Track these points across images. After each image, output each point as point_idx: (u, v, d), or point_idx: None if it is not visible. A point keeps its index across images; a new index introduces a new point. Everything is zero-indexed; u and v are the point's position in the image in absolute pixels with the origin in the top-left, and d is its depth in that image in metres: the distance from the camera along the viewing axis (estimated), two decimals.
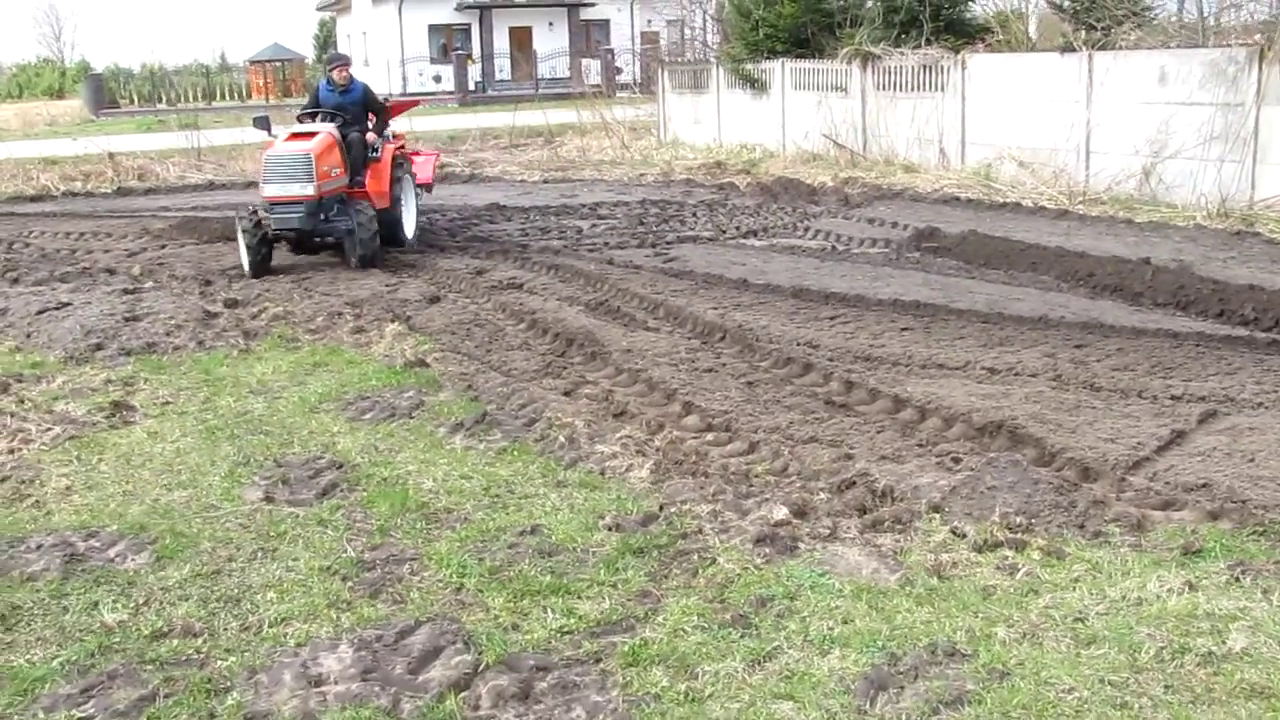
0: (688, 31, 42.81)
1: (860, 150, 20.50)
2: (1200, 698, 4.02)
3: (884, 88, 20.10)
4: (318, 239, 12.54)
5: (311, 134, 12.12)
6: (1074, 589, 4.85)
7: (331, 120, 12.50)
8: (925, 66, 19.17)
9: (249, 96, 60.86)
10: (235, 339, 9.54)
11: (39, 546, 5.55)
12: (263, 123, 12.89)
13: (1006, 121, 17.44)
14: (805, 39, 22.31)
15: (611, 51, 46.94)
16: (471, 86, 46.76)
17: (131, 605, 4.94)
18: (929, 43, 19.49)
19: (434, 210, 16.46)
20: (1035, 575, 4.98)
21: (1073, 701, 4.01)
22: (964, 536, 5.36)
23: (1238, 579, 4.87)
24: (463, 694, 4.16)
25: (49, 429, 7.40)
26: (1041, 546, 5.22)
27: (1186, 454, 6.26)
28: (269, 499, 6.12)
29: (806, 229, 14.55)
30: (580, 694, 4.16)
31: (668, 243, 13.81)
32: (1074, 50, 16.22)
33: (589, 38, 53.73)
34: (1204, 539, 5.22)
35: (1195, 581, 4.85)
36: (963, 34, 19.94)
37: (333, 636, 4.61)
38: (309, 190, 11.62)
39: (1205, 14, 17.28)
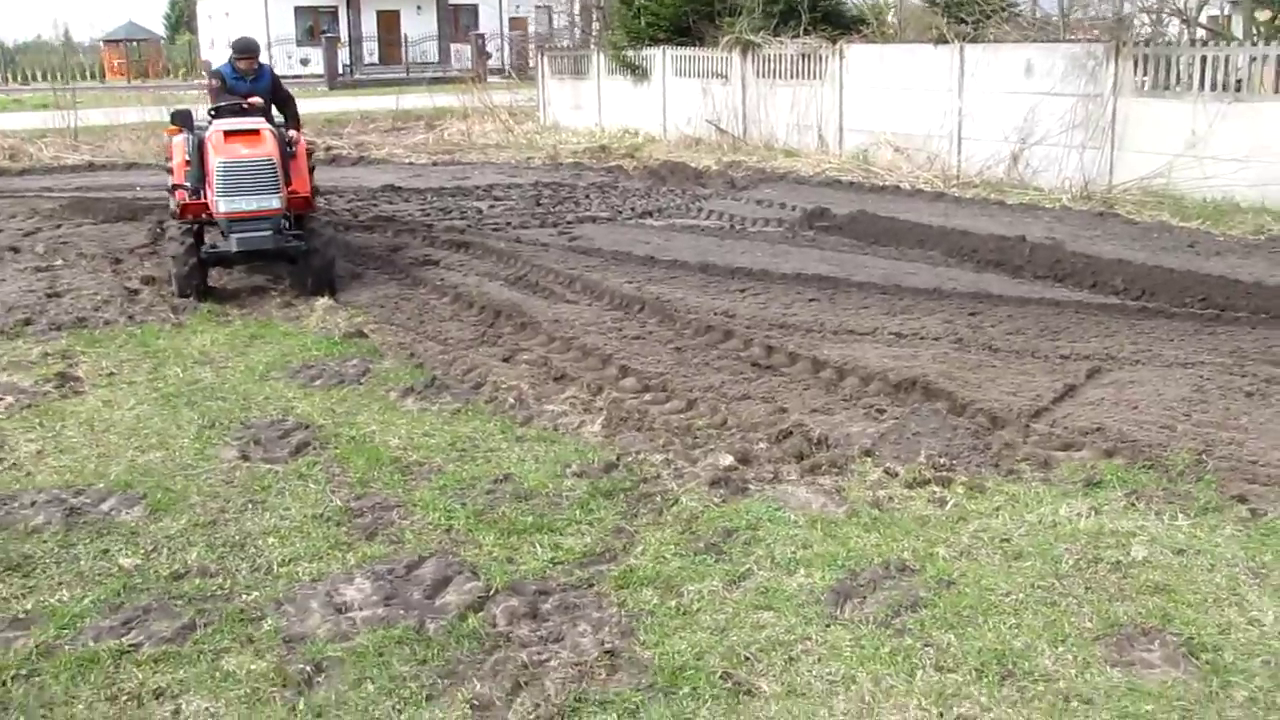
0: (557, 19, 43.27)
1: (741, 135, 21.24)
2: (1115, 596, 4.72)
3: (764, 75, 20.86)
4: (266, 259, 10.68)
5: (254, 132, 10.10)
6: (997, 516, 5.53)
7: (252, 114, 10.63)
8: (804, 55, 19.98)
9: (103, 77, 59.08)
10: (165, 314, 9.73)
11: (33, 503, 5.82)
12: (184, 118, 10.67)
13: (883, 109, 18.34)
14: (686, 27, 22.97)
15: (482, 36, 47.02)
16: (340, 70, 46.32)
17: (141, 552, 5.27)
18: (807, 32, 20.31)
19: (330, 191, 16.62)
20: (962, 506, 5.65)
21: (1010, 603, 4.67)
22: (896, 475, 6.01)
23: (1134, 504, 5.61)
24: (479, 614, 4.64)
25: (0, 398, 7.58)
26: (964, 483, 5.90)
27: (1079, 404, 7.04)
28: (245, 457, 6.46)
29: (700, 210, 15.17)
30: (582, 612, 4.68)
31: (568, 223, 14.28)
32: (946, 42, 17.17)
33: (457, 22, 53.67)
34: (1102, 473, 5.96)
35: (1099, 507, 5.58)
36: (839, 24, 20.81)
37: (345, 571, 5.03)
38: (275, 203, 9.81)
39: (1063, 11, 18.38)
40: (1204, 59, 14.25)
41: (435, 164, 21.23)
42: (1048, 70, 15.61)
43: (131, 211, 15.09)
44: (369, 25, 51.77)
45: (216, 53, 55.63)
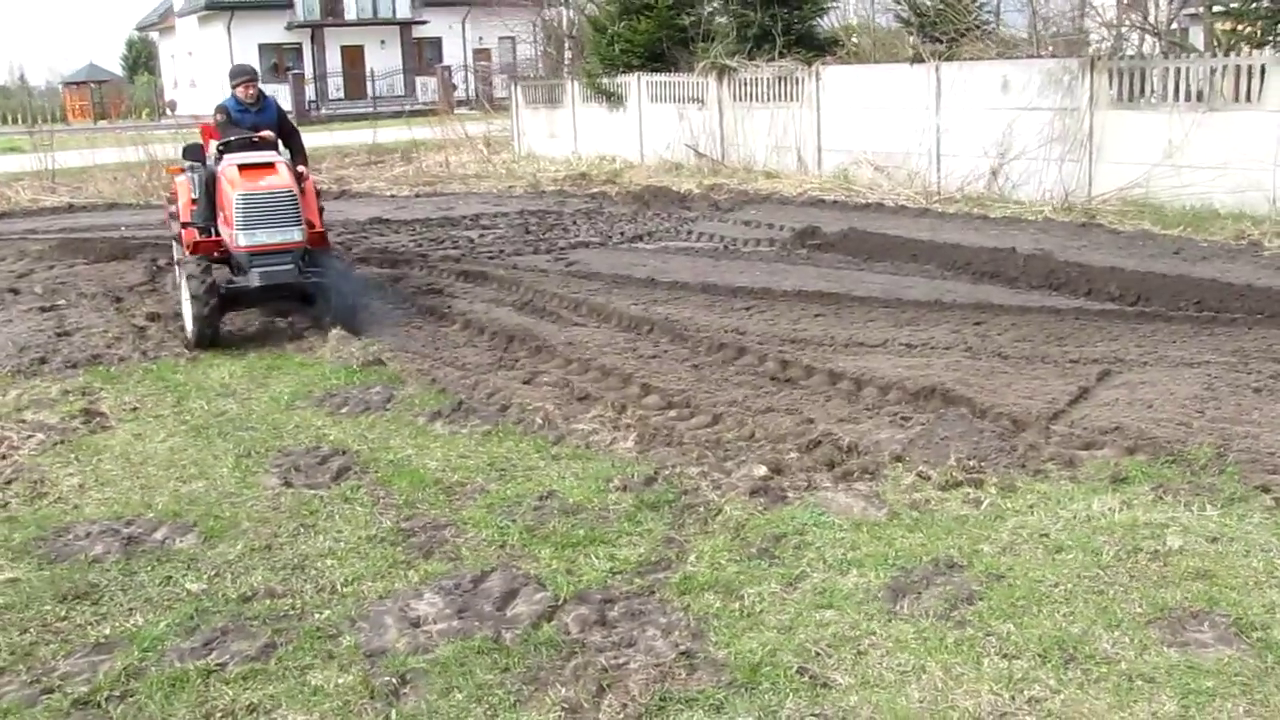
0: (522, 49, 43.57)
1: (720, 159, 21.51)
2: (1159, 582, 4.92)
3: (741, 99, 21.16)
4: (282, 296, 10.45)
5: (268, 165, 9.96)
6: (1032, 513, 5.72)
7: (263, 147, 10.42)
8: (780, 78, 20.30)
9: (65, 120, 58.84)
10: (178, 349, 9.82)
11: (88, 534, 5.91)
12: (195, 152, 10.80)
13: (861, 128, 18.65)
14: (660, 53, 23.27)
15: (449, 69, 47.26)
16: (306, 106, 46.42)
17: (205, 577, 5.37)
18: (782, 55, 20.63)
19: None
20: (998, 505, 5.84)
21: (1060, 592, 4.86)
22: (929, 479, 6.20)
23: (1161, 497, 5.82)
24: (550, 623, 4.78)
25: (30, 435, 7.65)
26: (996, 483, 6.09)
27: (1094, 405, 7.26)
28: (288, 484, 6.57)
29: (689, 232, 15.38)
30: (649, 618, 4.82)
31: (561, 249, 14.46)
32: (922, 61, 17.51)
33: (421, 56, 53.91)
34: (1127, 469, 6.18)
35: (1129, 501, 5.79)
36: (813, 47, 21.16)
37: (411, 588, 5.15)
38: (296, 235, 9.66)
39: (1034, 29, 18.79)
40: (1176, 70, 14.63)
41: (418, 195, 21.38)
42: (1024, 86, 15.96)
43: (123, 251, 15.13)
44: (334, 60, 51.94)
45: (181, 93, 55.66)
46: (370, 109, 45.51)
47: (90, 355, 9.64)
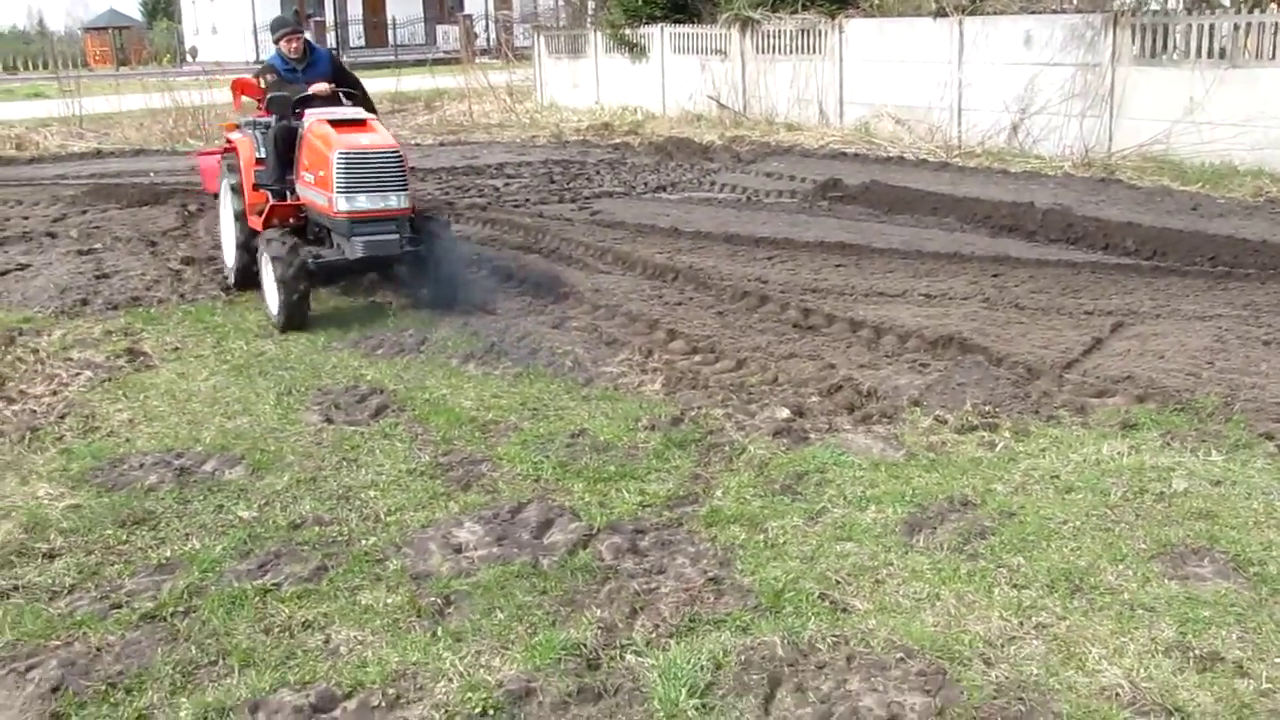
0: None
1: (742, 111, 21.62)
2: (1163, 521, 5.17)
3: (764, 51, 21.23)
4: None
5: (362, 122, 8.99)
6: (1044, 456, 5.97)
7: (328, 103, 9.35)
8: (803, 30, 20.36)
9: (86, 66, 58.90)
10: (215, 292, 10.10)
11: (141, 465, 6.21)
12: (280, 103, 9.31)
13: (883, 82, 18.73)
14: (684, 4, 23.32)
15: (470, 17, 47.17)
16: None
17: (255, 505, 5.66)
18: (805, 8, 20.67)
19: None
20: (1011, 448, 6.09)
21: (1069, 529, 5.12)
22: (945, 422, 6.45)
23: (1169, 443, 6.06)
24: (585, 550, 5.05)
25: (78, 373, 7.94)
26: (1010, 428, 6.34)
27: (1107, 355, 7.48)
28: (329, 420, 6.86)
29: (712, 183, 15.55)
30: (678, 547, 5.10)
31: (585, 198, 14.66)
32: (945, 15, 17.57)
33: (443, 4, 53.79)
34: (1136, 417, 6.41)
35: (1137, 446, 6.03)
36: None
37: (452, 518, 5.44)
38: (403, 201, 8.66)
39: None
40: (1199, 27, 14.69)
41: (442, 144, 21.55)
42: (1046, 41, 16.03)
43: (154, 196, 15.39)
44: (355, 9, 51.89)
45: (202, 40, 55.69)
46: (392, 57, 45.49)
47: (130, 297, 9.93)
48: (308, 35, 10.24)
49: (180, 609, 4.65)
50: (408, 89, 28.41)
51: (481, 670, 4.14)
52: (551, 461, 6.07)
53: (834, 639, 4.27)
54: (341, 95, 9.52)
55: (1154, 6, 16.72)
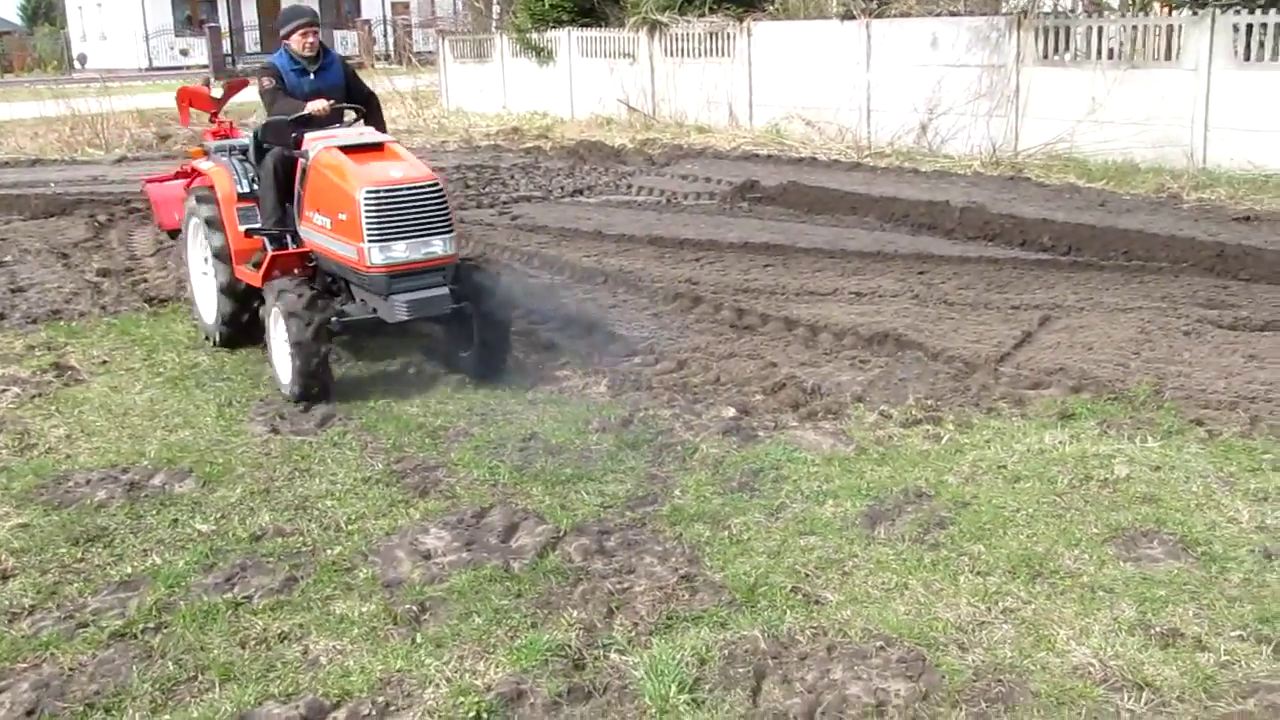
0: (444, 2, 43.25)
1: (652, 114, 21.74)
2: (1110, 506, 5.36)
3: (672, 54, 21.38)
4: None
5: (379, 148, 7.33)
6: (989, 447, 6.14)
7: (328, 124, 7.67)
8: (712, 33, 20.55)
9: None
10: (137, 304, 9.91)
11: (87, 481, 6.09)
12: (277, 134, 7.62)
13: (792, 83, 18.98)
14: (591, 8, 23.37)
15: (369, 22, 46.73)
16: (222, 60, 45.59)
17: (212, 519, 5.59)
18: (713, 10, 20.87)
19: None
20: (956, 440, 6.26)
21: (1022, 517, 5.28)
22: (890, 417, 6.61)
23: (1107, 431, 6.28)
24: (554, 553, 5.09)
25: (4, 389, 7.75)
26: (953, 420, 6.51)
27: (1038, 348, 7.71)
28: (275, 430, 6.79)
29: (628, 186, 15.63)
30: (645, 546, 5.15)
31: (504, 203, 14.64)
32: (853, 18, 17.87)
33: (339, 9, 53.17)
34: (1073, 407, 6.63)
35: (1077, 435, 6.23)
36: (743, 2, 21.38)
37: (416, 525, 5.43)
38: (451, 246, 7.05)
39: None
40: (1098, 29, 15.16)
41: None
42: (952, 43, 16.40)
43: (60, 207, 15.01)
44: (249, 14, 51.05)
45: (91, 46, 54.33)
46: None
47: (49, 310, 9.71)
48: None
49: (151, 625, 4.59)
50: None
51: (468, 675, 4.16)
52: (507, 466, 6.09)
53: (812, 630, 4.37)
54: (345, 111, 7.87)
55: (1045, 8, 17.20)
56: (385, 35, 48.11)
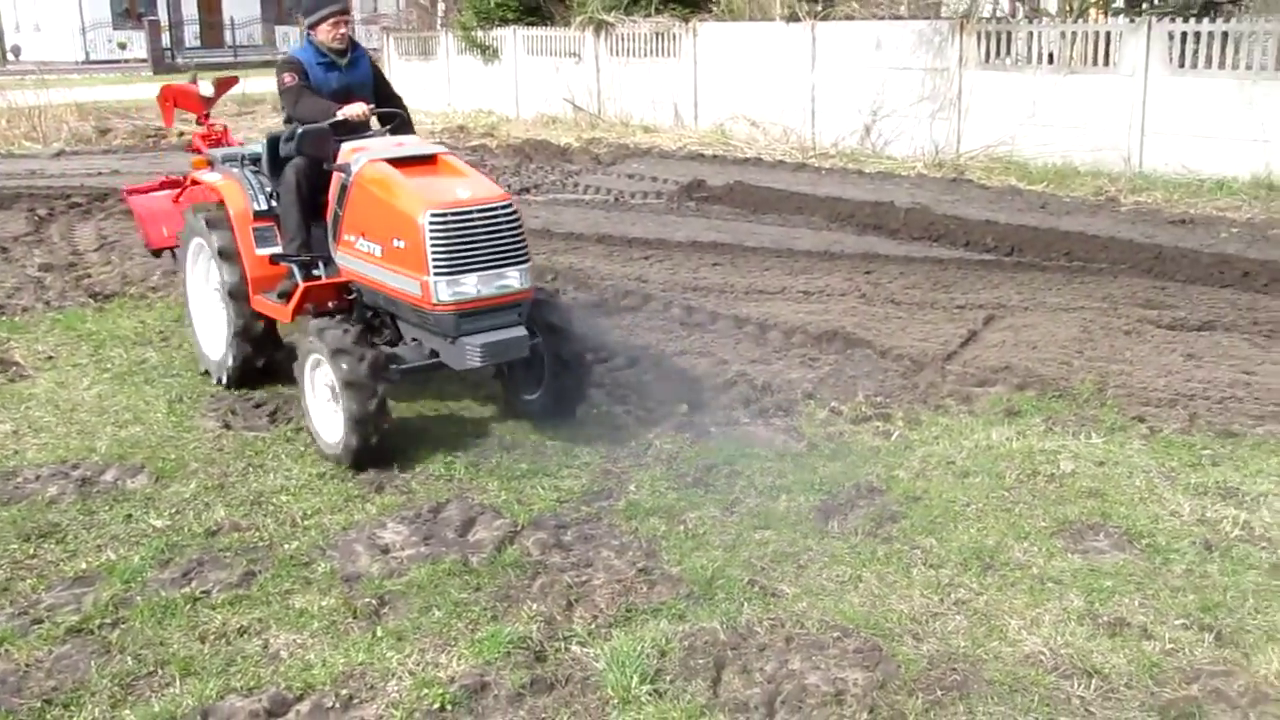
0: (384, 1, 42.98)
1: (598, 113, 21.77)
2: (1057, 500, 5.49)
3: (618, 54, 21.43)
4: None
5: (430, 160, 6.36)
6: (938, 443, 6.26)
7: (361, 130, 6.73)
8: (657, 33, 20.62)
9: None
10: (82, 299, 9.79)
11: (37, 477, 6.03)
12: (316, 140, 6.49)
13: (738, 84, 19.10)
14: (536, 7, 23.35)
15: None
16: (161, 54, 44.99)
17: (166, 514, 5.57)
18: (659, 11, 20.94)
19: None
20: (906, 437, 6.37)
21: (973, 511, 5.40)
22: (840, 414, 6.70)
23: (1052, 428, 6.42)
24: (512, 546, 5.12)
25: None
26: (902, 417, 6.62)
27: (983, 347, 7.85)
28: (227, 426, 6.76)
29: (575, 185, 15.65)
30: (602, 540, 5.21)
31: None
32: (798, 20, 18.02)
33: (281, 4, 52.62)
34: (1018, 404, 6.77)
35: (1023, 431, 6.37)
36: (689, 3, 21.49)
37: (373, 519, 5.44)
38: (528, 279, 6.06)
39: None
40: (1038, 34, 15.43)
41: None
42: (896, 46, 16.59)
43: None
44: (189, 8, 50.37)
45: (24, 38, 53.35)
46: (231, 58, 44.40)
47: None
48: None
49: (108, 621, 4.57)
50: (254, 91, 27.76)
51: (430, 667, 4.19)
52: (463, 461, 6.12)
53: (770, 622, 4.44)
54: (377, 118, 6.93)
55: (985, 13, 17.46)
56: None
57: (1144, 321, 8.31)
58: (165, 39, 45.30)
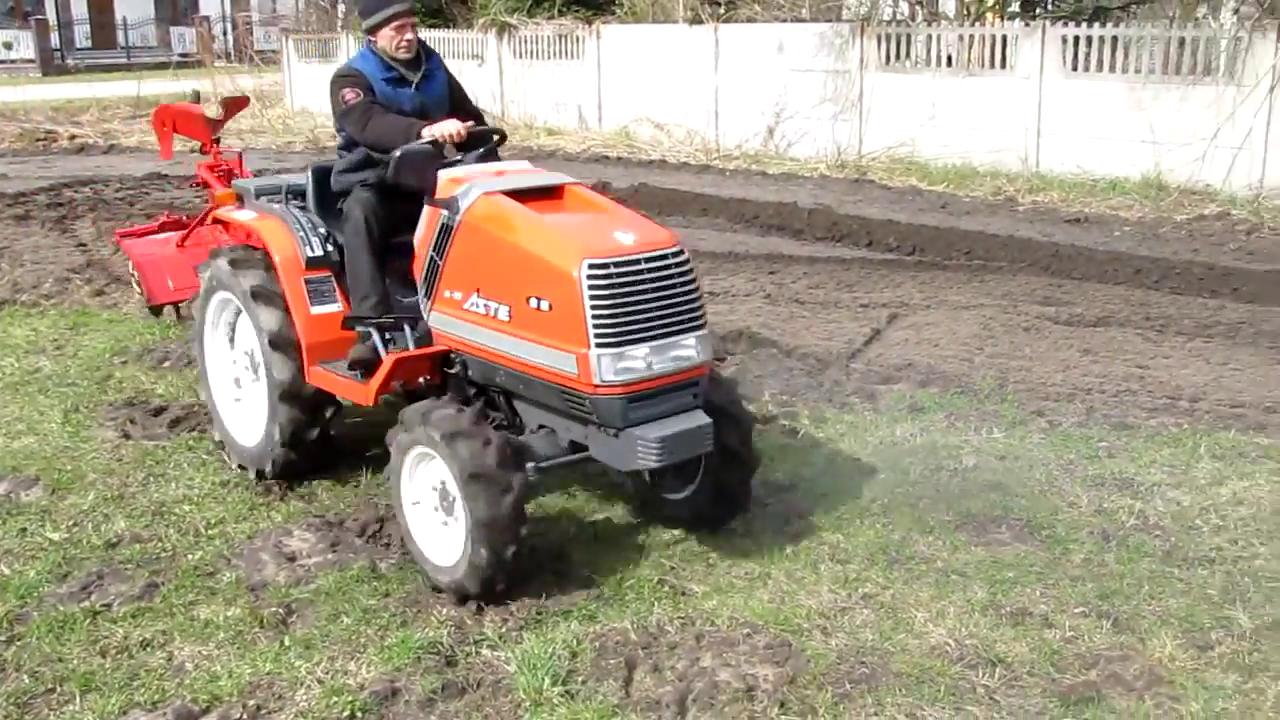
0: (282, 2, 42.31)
1: (501, 115, 21.68)
2: (961, 494, 5.59)
3: (521, 56, 21.37)
4: None
5: (554, 192, 5.09)
6: (844, 440, 6.34)
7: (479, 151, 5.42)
8: (561, 36, 20.61)
9: None
10: None
11: None
12: (416, 163, 5.05)
13: (641, 87, 19.16)
14: (439, 9, 23.21)
15: (207, 19, 45.45)
16: (50, 55, 43.84)
17: (63, 527, 5.42)
18: (562, 13, 20.94)
19: (92, 181, 16.20)
20: (812, 435, 6.44)
21: (878, 506, 5.47)
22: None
23: (954, 424, 6.54)
24: None
25: None
26: (808, 415, 6.70)
27: (887, 345, 7.98)
28: (126, 436, 6.60)
29: None
30: None
31: None
32: (701, 22, 18.14)
33: (175, 5, 51.62)
34: (921, 400, 6.88)
35: (926, 428, 6.48)
36: (592, 5, 21.52)
37: (278, 527, 5.36)
38: (706, 350, 4.72)
39: None
40: (937, 37, 15.71)
41: (193, 151, 20.67)
42: (798, 48, 16.78)
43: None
44: (79, 8, 49.13)
45: None
46: (124, 59, 43.41)
47: None
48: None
49: (3, 638, 4.44)
50: (149, 93, 27.19)
51: (340, 675, 4.14)
52: (370, 468, 6.04)
53: (680, 620, 4.47)
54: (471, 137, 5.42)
55: (885, 16, 17.74)
56: (225, 33, 46.85)
57: (1042, 318, 8.50)
58: (54, 39, 44.16)
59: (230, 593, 4.77)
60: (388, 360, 5.16)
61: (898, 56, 15.99)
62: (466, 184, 4.94)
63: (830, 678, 4.06)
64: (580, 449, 4.81)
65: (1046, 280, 9.68)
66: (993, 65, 15.03)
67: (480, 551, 4.44)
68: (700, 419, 4.63)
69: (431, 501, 4.80)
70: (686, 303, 4.59)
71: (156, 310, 7.96)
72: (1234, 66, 12.92)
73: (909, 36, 15.98)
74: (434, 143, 5.15)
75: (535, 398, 4.86)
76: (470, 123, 5.34)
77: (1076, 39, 14.19)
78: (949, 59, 15.52)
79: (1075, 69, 14.25)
